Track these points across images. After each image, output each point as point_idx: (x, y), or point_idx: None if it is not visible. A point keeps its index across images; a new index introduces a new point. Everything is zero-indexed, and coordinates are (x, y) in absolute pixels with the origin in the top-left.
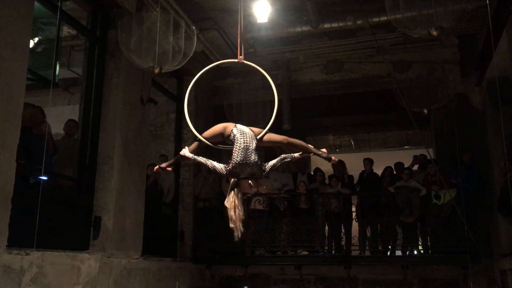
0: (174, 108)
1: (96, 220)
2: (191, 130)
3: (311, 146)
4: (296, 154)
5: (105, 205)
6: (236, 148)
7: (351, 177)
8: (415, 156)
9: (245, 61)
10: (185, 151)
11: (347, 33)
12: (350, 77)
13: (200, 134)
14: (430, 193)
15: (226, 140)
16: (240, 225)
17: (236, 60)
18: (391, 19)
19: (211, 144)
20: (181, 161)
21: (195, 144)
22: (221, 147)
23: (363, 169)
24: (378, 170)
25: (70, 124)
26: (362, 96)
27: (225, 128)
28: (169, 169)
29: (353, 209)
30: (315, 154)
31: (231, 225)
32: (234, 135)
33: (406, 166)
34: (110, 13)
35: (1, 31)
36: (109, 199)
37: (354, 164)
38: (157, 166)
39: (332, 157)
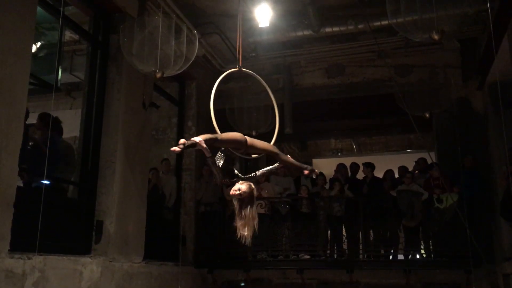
0: (176, 112)
1: (98, 225)
2: (193, 135)
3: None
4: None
5: (107, 209)
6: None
7: (355, 179)
8: (416, 162)
9: (243, 69)
10: (202, 142)
11: (349, 37)
12: (351, 81)
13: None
14: (432, 197)
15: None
16: (244, 232)
17: (236, 69)
18: (393, 23)
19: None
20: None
21: (208, 136)
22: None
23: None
24: (380, 174)
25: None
26: (364, 100)
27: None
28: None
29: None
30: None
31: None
32: None
33: (410, 170)
34: (112, 18)
35: (3, 36)
36: (111, 203)
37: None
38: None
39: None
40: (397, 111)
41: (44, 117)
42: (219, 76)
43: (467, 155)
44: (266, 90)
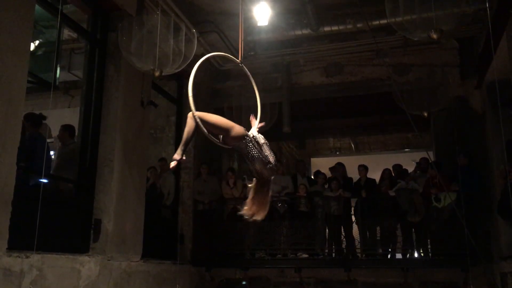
0: (174, 111)
1: (96, 223)
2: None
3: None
4: None
5: (105, 207)
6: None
7: (350, 179)
8: (418, 163)
9: (243, 66)
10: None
11: (347, 36)
12: (350, 80)
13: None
14: (430, 196)
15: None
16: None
17: (238, 61)
18: (391, 22)
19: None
20: (192, 138)
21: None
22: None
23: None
24: (379, 173)
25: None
26: (362, 99)
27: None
28: (184, 158)
29: (352, 211)
30: None
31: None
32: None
33: (404, 168)
34: (110, 16)
35: (1, 34)
36: (109, 201)
37: (354, 167)
38: (173, 163)
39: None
40: (396, 110)
41: (29, 117)
42: (218, 74)
43: (460, 154)
44: (264, 89)
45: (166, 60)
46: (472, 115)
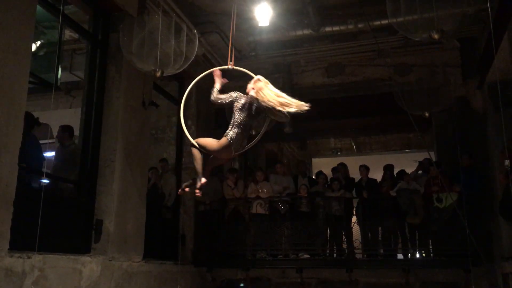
0: (176, 111)
1: (98, 224)
2: (192, 134)
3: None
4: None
5: (106, 208)
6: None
7: (352, 179)
8: (420, 162)
9: (235, 67)
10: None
11: (348, 36)
12: (351, 80)
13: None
14: (432, 196)
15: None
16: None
17: (227, 67)
18: (392, 23)
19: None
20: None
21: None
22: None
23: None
24: (380, 174)
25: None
26: (363, 99)
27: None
28: (205, 180)
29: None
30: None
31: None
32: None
33: (402, 169)
34: (112, 17)
35: (3, 35)
36: (111, 202)
37: (355, 167)
38: (198, 193)
39: None
40: (397, 111)
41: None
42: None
43: (463, 154)
44: None
45: (167, 61)
46: (474, 115)
